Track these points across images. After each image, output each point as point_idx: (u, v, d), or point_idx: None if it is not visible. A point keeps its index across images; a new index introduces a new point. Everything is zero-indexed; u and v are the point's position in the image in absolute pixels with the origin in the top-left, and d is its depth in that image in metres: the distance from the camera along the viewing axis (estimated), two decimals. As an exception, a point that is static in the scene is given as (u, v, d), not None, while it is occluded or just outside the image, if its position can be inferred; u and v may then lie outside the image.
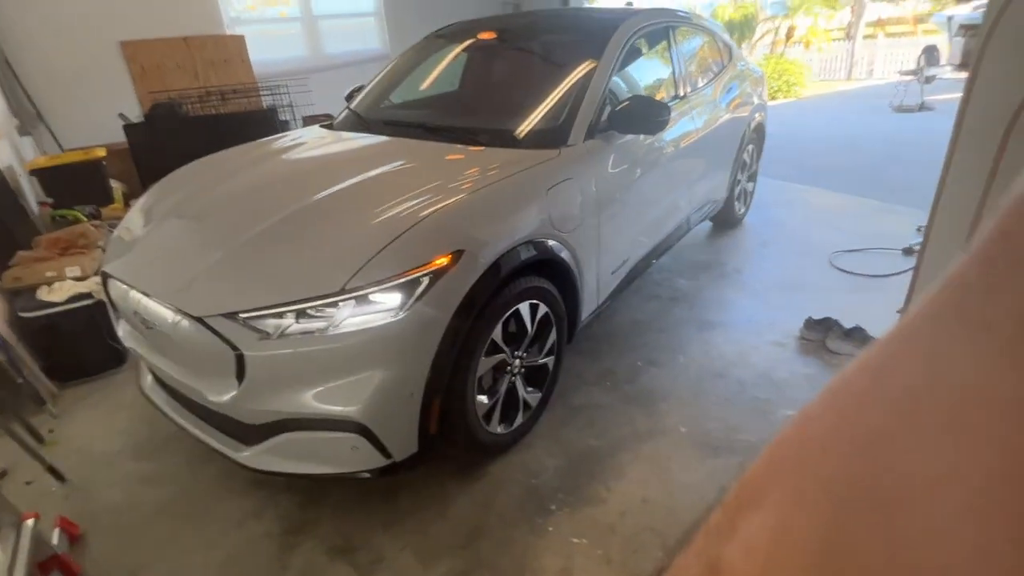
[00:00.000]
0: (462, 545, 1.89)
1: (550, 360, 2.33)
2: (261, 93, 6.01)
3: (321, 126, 3.04)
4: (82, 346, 2.78)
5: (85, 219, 3.62)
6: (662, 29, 3.13)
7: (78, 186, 4.34)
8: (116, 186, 4.90)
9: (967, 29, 10.17)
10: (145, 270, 1.98)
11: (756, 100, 4.11)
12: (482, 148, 2.33)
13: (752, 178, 4.39)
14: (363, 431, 1.71)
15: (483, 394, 2.03)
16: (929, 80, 9.13)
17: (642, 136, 2.58)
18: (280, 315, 1.66)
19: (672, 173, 3.04)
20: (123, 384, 2.81)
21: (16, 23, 5.18)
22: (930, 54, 9.30)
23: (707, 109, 3.37)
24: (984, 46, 1.37)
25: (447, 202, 1.86)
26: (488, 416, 2.07)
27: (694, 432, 2.31)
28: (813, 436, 0.22)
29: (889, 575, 0.17)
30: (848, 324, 2.81)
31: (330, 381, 1.69)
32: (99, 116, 5.27)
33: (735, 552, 0.23)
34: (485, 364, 1.98)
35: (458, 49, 3.18)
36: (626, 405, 2.49)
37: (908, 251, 3.67)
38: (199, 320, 1.70)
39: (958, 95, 1.43)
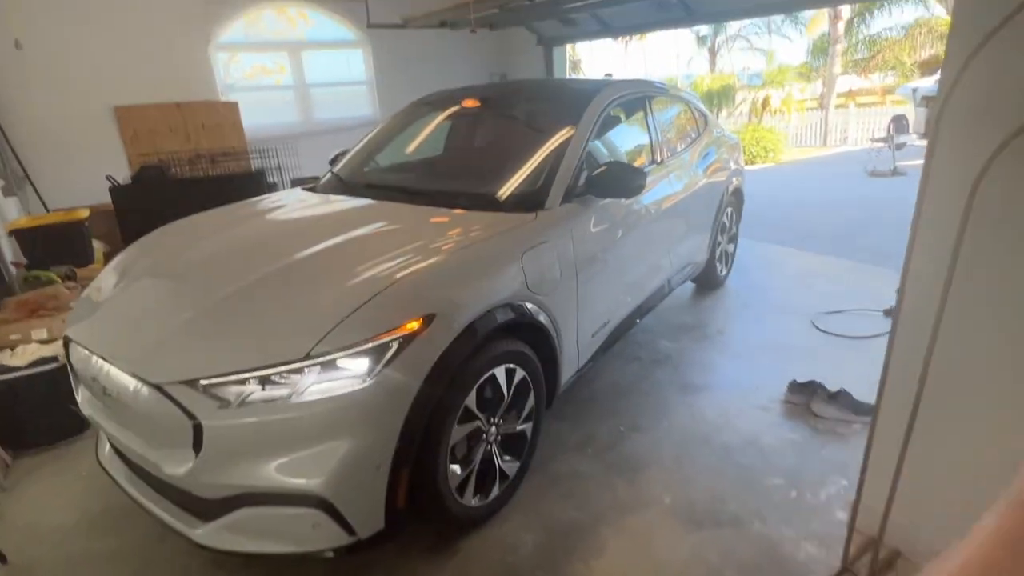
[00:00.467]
0: (431, 632, 1.75)
1: (528, 427, 2.26)
2: (251, 156, 6.13)
3: (304, 188, 3.07)
4: (41, 412, 2.66)
5: (59, 280, 3.56)
6: (638, 99, 3.24)
7: (59, 247, 4.32)
8: (98, 247, 4.88)
9: (930, 100, 10.73)
10: (106, 334, 1.92)
11: (733, 165, 4.23)
12: (461, 212, 2.34)
13: (732, 240, 4.45)
14: (325, 506, 1.61)
15: (456, 464, 1.95)
16: (900, 147, 9.53)
17: (621, 199, 2.62)
18: (242, 382, 1.60)
19: (651, 236, 3.07)
20: (82, 453, 2.67)
21: (9, 84, 5.28)
22: (899, 123, 9.76)
23: (684, 174, 3.45)
24: (938, 118, 1.41)
25: (420, 265, 1.84)
26: (462, 488, 1.98)
27: (678, 503, 2.21)
28: None
29: None
30: (833, 387, 2.77)
31: (292, 452, 1.61)
32: (89, 177, 5.30)
33: None
34: (458, 432, 1.91)
35: (440, 116, 3.27)
36: (608, 473, 2.39)
37: (888, 312, 3.68)
38: (157, 387, 1.63)
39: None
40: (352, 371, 1.61)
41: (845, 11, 15.75)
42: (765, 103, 15.18)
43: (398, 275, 1.78)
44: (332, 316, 1.64)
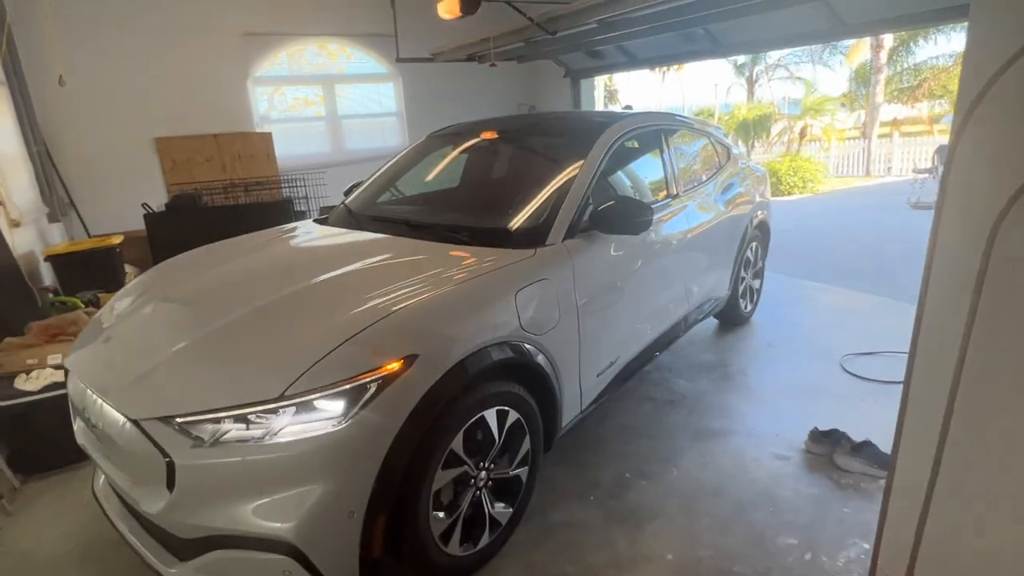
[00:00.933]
0: None
1: (523, 471, 2.16)
2: (282, 186, 6.30)
3: (315, 220, 3.09)
4: (51, 437, 2.70)
5: (82, 306, 3.68)
6: (653, 132, 3.17)
7: (93, 272, 4.48)
8: (131, 271, 5.06)
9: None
10: (96, 365, 1.93)
11: (758, 198, 4.09)
12: (460, 247, 2.30)
13: (758, 275, 4.28)
14: (295, 554, 1.55)
15: (441, 511, 1.86)
16: (945, 178, 9.12)
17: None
18: (217, 420, 1.57)
19: (665, 271, 2.96)
20: (87, 478, 2.69)
21: (59, 117, 5.61)
22: (943, 153, 9.36)
23: (703, 207, 3.35)
24: (953, 149, 1.30)
25: (406, 303, 1.79)
26: (446, 536, 1.89)
27: (681, 561, 2.06)
28: None
29: None
30: (858, 437, 2.57)
31: (264, 495, 1.56)
32: (129, 205, 5.48)
33: None
34: (443, 477, 1.83)
35: (451, 149, 3.27)
36: (609, 525, 2.26)
37: (926, 356, 3.44)
38: (135, 423, 1.62)
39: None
40: (328, 412, 1.57)
41: (888, 40, 15.43)
42: (803, 132, 14.87)
43: (382, 314, 1.74)
44: (310, 355, 1.60)
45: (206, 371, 1.72)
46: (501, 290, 1.99)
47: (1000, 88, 1.15)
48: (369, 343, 1.66)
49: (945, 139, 12.46)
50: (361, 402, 1.58)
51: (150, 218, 5.09)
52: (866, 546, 2.05)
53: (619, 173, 2.94)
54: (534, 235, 2.31)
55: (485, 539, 2.04)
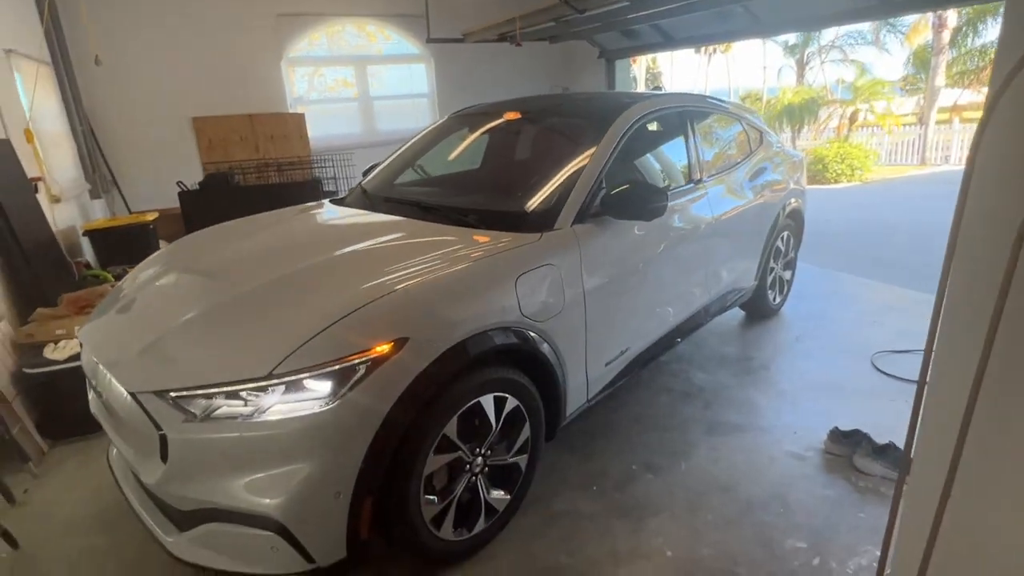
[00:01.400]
0: (388, 673, 1.66)
1: (522, 459, 2.12)
2: (312, 166, 6.38)
3: (332, 201, 3.09)
4: (75, 405, 2.79)
5: (111, 279, 3.81)
6: (677, 114, 3.05)
7: (127, 247, 4.63)
8: (163, 247, 5.21)
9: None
10: (104, 337, 1.98)
11: (792, 185, 3.90)
12: (466, 229, 2.25)
13: (789, 266, 4.10)
14: (281, 530, 1.56)
15: (433, 495, 1.85)
16: (1007, 168, 8.56)
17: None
18: (209, 396, 1.58)
19: (683, 260, 2.86)
20: (106, 447, 2.80)
21: (102, 98, 5.80)
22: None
23: (729, 193, 3.21)
24: (980, 136, 1.17)
25: (401, 285, 1.77)
26: (438, 520, 1.87)
27: (682, 558, 2.00)
28: None
29: None
30: (881, 439, 2.44)
31: (252, 472, 1.57)
32: (167, 183, 5.65)
33: None
34: (436, 462, 1.81)
35: (468, 130, 3.22)
36: (610, 517, 2.21)
37: (966, 356, 3.24)
38: (132, 395, 1.65)
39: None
40: (315, 392, 1.56)
41: (952, 19, 14.49)
42: (853, 117, 14.17)
43: (375, 295, 1.71)
44: (300, 335, 1.59)
45: (203, 346, 1.74)
46: (501, 275, 1.95)
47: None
48: (359, 324, 1.64)
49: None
50: (349, 383, 1.57)
51: (184, 196, 5.23)
52: (879, 553, 1.94)
53: (637, 156, 2.84)
54: (542, 219, 2.24)
55: (480, 525, 2.02)
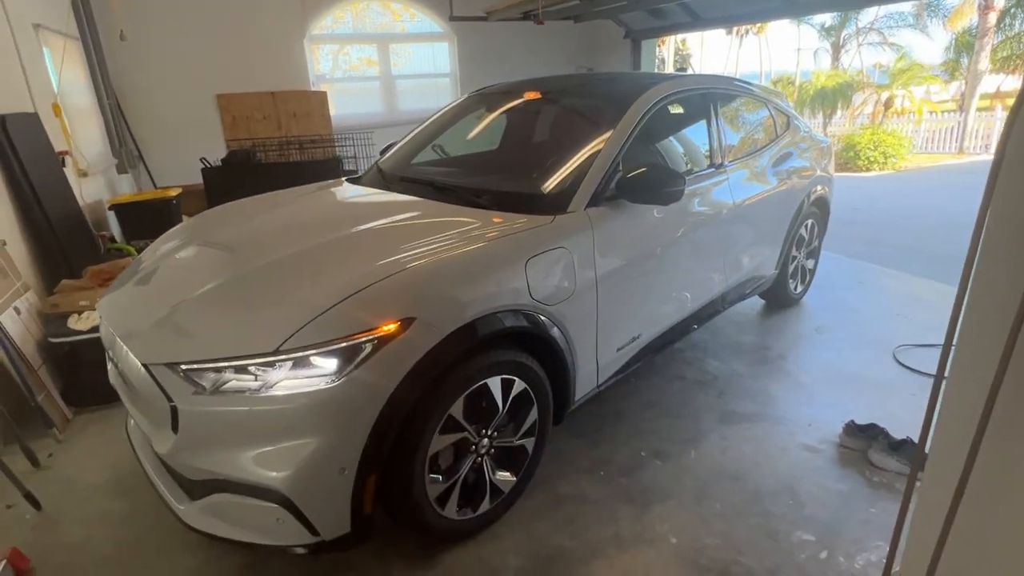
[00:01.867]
0: (389, 646, 1.69)
1: (529, 442, 2.13)
2: (334, 144, 6.39)
3: (349, 180, 3.10)
4: (97, 375, 2.88)
5: (134, 253, 3.88)
6: (700, 96, 2.96)
7: (151, 222, 4.71)
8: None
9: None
10: (123, 310, 2.02)
11: (819, 172, 3.79)
12: (478, 210, 2.23)
13: (812, 255, 4.00)
14: (286, 503, 1.59)
15: (438, 474, 1.86)
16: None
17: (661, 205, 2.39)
18: (219, 370, 1.60)
19: (700, 246, 2.80)
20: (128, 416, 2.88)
21: (129, 74, 5.86)
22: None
23: (751, 179, 3.13)
24: (1012, 123, 1.11)
25: (410, 265, 1.76)
26: (443, 499, 1.89)
27: (686, 545, 1.99)
28: None
29: None
30: (899, 434, 2.38)
31: (259, 446, 1.59)
32: (191, 158, 5.71)
33: None
34: (441, 441, 1.82)
35: (487, 110, 3.18)
36: (616, 502, 2.21)
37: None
38: (145, 366, 1.68)
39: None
40: (322, 369, 1.57)
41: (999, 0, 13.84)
42: (889, 103, 13.68)
43: (384, 274, 1.71)
44: (308, 311, 1.60)
45: (215, 320, 1.76)
46: (510, 257, 1.93)
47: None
48: (367, 303, 1.64)
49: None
50: (355, 361, 1.58)
51: (207, 172, 5.29)
52: (888, 550, 1.91)
53: (657, 139, 2.77)
54: (555, 201, 2.21)
55: (485, 505, 2.03)
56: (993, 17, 14.21)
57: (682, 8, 5.72)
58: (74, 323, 2.89)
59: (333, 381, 1.56)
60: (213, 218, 2.72)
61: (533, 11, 5.71)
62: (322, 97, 6.86)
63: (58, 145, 3.97)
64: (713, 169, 2.91)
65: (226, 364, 1.59)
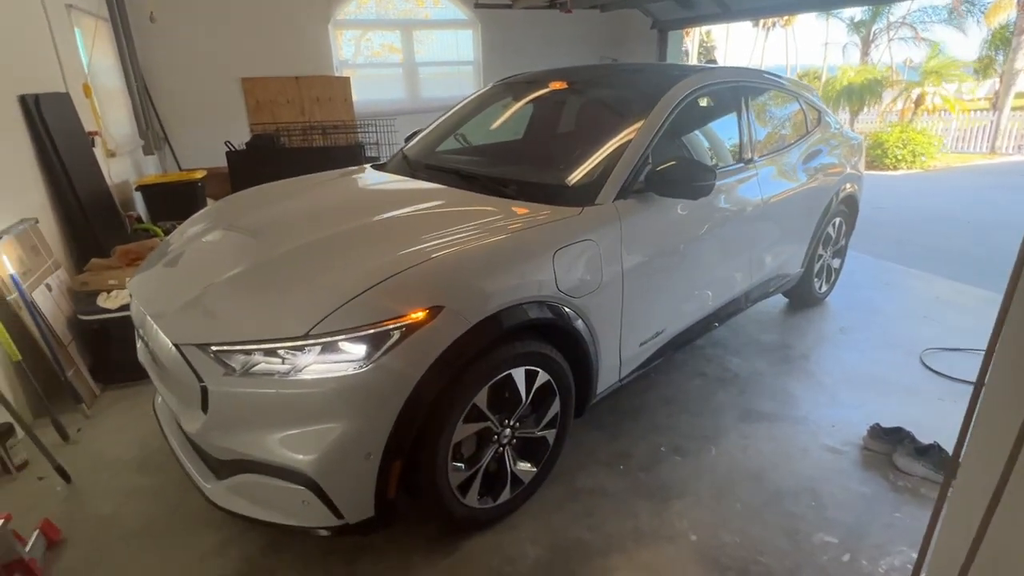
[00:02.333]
0: (409, 629, 1.71)
1: (550, 433, 2.13)
2: (356, 130, 6.40)
3: (373, 166, 3.10)
4: (125, 352, 2.92)
5: (161, 233, 3.93)
6: (731, 89, 2.91)
7: (176, 203, 4.77)
8: (211, 204, 5.35)
9: None
10: (154, 289, 2.05)
11: (849, 169, 3.72)
12: (506, 200, 2.22)
13: (839, 254, 3.94)
14: (313, 486, 1.61)
15: (461, 462, 1.87)
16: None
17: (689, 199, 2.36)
18: (248, 352, 1.62)
19: (727, 242, 2.76)
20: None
21: (156, 58, 5.92)
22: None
23: (780, 175, 3.08)
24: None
25: (438, 254, 1.76)
26: (464, 487, 1.90)
27: (705, 543, 1.98)
28: None
29: None
30: (925, 439, 2.35)
31: (287, 428, 1.61)
32: (216, 141, 5.77)
33: None
34: (464, 430, 1.82)
35: (512, 99, 3.15)
36: (635, 496, 2.21)
37: None
38: (176, 347, 1.71)
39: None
40: (350, 355, 1.58)
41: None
42: (919, 101, 13.35)
43: (413, 262, 1.71)
44: (337, 298, 1.61)
45: (245, 303, 1.77)
46: (538, 248, 1.92)
47: None
48: (396, 291, 1.65)
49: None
50: (383, 348, 1.59)
51: (231, 155, 5.34)
52: (914, 555, 1.88)
53: (686, 132, 2.73)
54: (583, 193, 2.19)
55: (506, 495, 2.04)
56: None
57: (712, -1, 5.62)
58: (103, 301, 2.94)
59: (361, 367, 1.57)
60: (239, 202, 2.74)
61: (559, 0, 5.65)
62: (345, 83, 6.87)
63: (88, 125, 4.02)
64: (742, 164, 2.86)
65: (256, 347, 1.61)
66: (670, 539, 2.01)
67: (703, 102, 2.76)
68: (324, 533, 1.72)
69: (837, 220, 3.72)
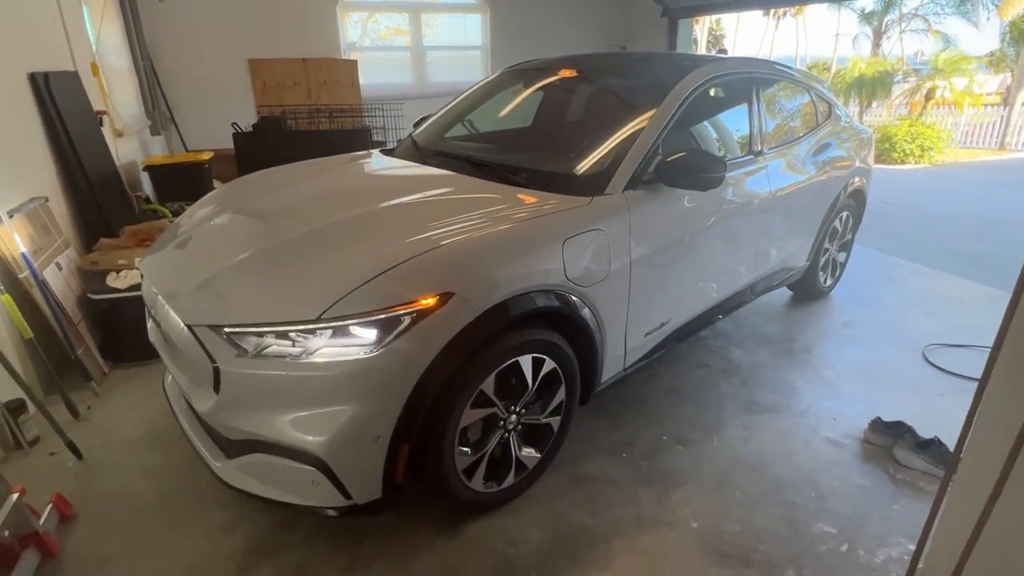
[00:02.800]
0: (414, 608, 1.75)
1: (555, 420, 2.15)
2: (363, 114, 6.38)
3: (381, 151, 3.10)
4: (135, 332, 2.95)
5: (169, 214, 3.94)
6: (742, 80, 2.90)
7: (184, 184, 4.78)
8: (218, 186, 5.36)
9: None
10: (166, 270, 2.07)
11: (858, 163, 3.71)
12: (516, 188, 2.23)
13: (845, 248, 3.94)
14: (323, 467, 1.64)
15: (467, 447, 1.90)
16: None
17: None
18: (260, 334, 1.64)
19: (734, 234, 2.77)
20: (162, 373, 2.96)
21: (163, 37, 5.89)
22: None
23: (789, 168, 3.07)
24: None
25: (449, 240, 1.78)
26: (470, 471, 1.93)
27: (706, 530, 2.01)
28: None
29: None
30: (926, 433, 2.37)
31: (297, 410, 1.64)
32: (223, 123, 5.75)
33: None
34: (471, 415, 1.85)
35: (522, 86, 3.14)
36: (637, 484, 2.24)
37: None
38: (189, 327, 1.73)
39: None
40: (361, 339, 1.60)
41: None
42: (929, 95, 13.23)
43: (424, 248, 1.73)
44: (349, 282, 1.63)
45: (258, 285, 1.79)
46: (548, 237, 1.93)
47: None
48: (407, 276, 1.66)
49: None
50: (394, 333, 1.61)
51: (238, 137, 5.32)
52: (911, 547, 1.92)
53: (696, 123, 2.73)
54: (593, 183, 2.20)
55: (510, 480, 2.07)
56: (1048, 7, 13.59)
57: (724, -13, 5.57)
58: (113, 281, 2.96)
59: (372, 351, 1.59)
60: (248, 186, 2.75)
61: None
62: (352, 66, 6.83)
63: (96, 104, 4.02)
64: (752, 156, 2.86)
65: (268, 329, 1.63)
66: (671, 526, 2.04)
67: (713, 93, 2.75)
68: (332, 513, 1.76)
69: (844, 214, 3.71)
